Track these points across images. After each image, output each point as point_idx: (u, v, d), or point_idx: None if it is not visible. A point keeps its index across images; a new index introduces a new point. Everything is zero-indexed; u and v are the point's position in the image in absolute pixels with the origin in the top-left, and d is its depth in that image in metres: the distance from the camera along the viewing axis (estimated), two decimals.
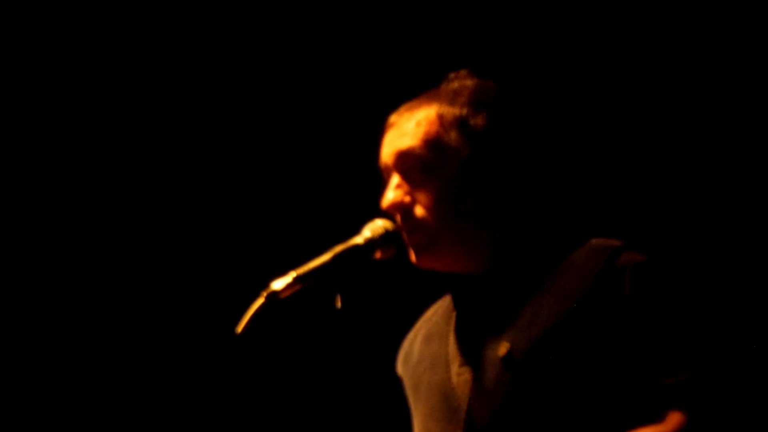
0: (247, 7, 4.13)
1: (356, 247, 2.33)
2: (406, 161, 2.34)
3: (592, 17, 3.72)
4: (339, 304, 2.31)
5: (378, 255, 2.36)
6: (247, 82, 4.19)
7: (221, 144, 4.23)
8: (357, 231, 2.37)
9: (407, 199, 2.34)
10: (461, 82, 2.40)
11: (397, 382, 2.56)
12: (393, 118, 2.40)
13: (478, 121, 2.34)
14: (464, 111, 2.34)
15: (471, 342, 2.35)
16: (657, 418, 2.19)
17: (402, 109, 2.40)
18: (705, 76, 3.61)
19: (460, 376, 2.33)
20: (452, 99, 2.36)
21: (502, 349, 2.27)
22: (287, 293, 2.27)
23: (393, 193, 2.35)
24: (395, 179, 2.36)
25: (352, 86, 4.06)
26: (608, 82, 3.71)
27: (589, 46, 3.74)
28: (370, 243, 2.34)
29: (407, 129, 2.35)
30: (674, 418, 2.19)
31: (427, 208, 2.33)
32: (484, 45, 3.78)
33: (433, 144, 2.33)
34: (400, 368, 2.55)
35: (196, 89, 4.21)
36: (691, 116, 3.62)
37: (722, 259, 3.53)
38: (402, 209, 2.34)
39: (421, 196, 2.33)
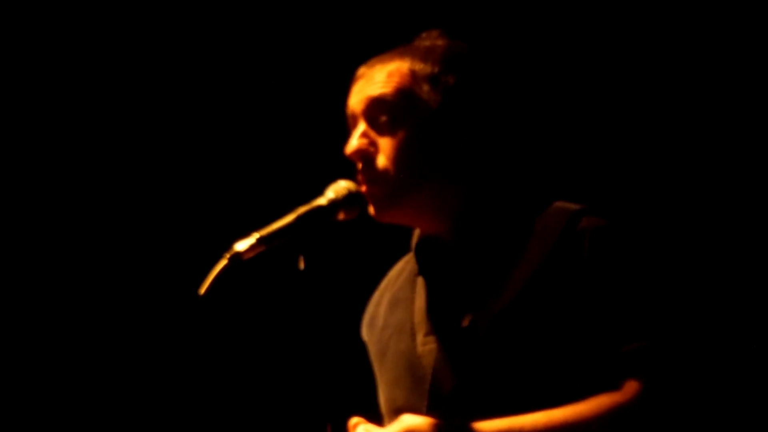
0: None
1: (319, 208, 2.32)
2: (374, 108, 2.34)
3: None
4: (302, 265, 2.30)
5: (341, 216, 2.35)
6: (208, 41, 4.17)
7: (180, 103, 4.21)
8: (320, 192, 2.36)
9: (371, 148, 2.34)
10: (433, 41, 2.40)
11: (362, 345, 2.56)
12: (363, 69, 2.39)
13: (449, 78, 2.34)
14: (436, 68, 2.34)
15: (436, 310, 2.36)
16: (614, 386, 2.21)
17: (373, 61, 2.40)
18: (666, 49, 3.62)
19: (425, 345, 2.34)
20: (425, 55, 2.36)
21: (466, 320, 2.28)
22: (250, 254, 2.26)
23: (357, 140, 2.35)
24: (361, 127, 2.36)
25: (319, 43, 4.04)
26: (574, 50, 3.71)
27: (560, 16, 3.74)
28: (333, 204, 2.33)
29: (378, 78, 2.35)
30: (631, 387, 2.21)
31: (390, 158, 2.32)
32: (457, 8, 3.77)
33: (403, 94, 2.33)
34: (365, 333, 2.56)
35: (158, 59, 4.20)
36: (655, 86, 3.63)
37: (679, 225, 3.55)
38: (365, 157, 2.33)
39: (386, 146, 2.33)
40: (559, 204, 2.35)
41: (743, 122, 3.53)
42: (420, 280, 2.42)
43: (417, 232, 2.44)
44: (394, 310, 2.46)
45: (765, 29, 3.48)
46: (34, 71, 4.18)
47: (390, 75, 2.35)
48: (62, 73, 4.19)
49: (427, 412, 2.26)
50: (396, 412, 2.31)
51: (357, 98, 2.37)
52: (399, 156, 2.32)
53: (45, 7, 4.13)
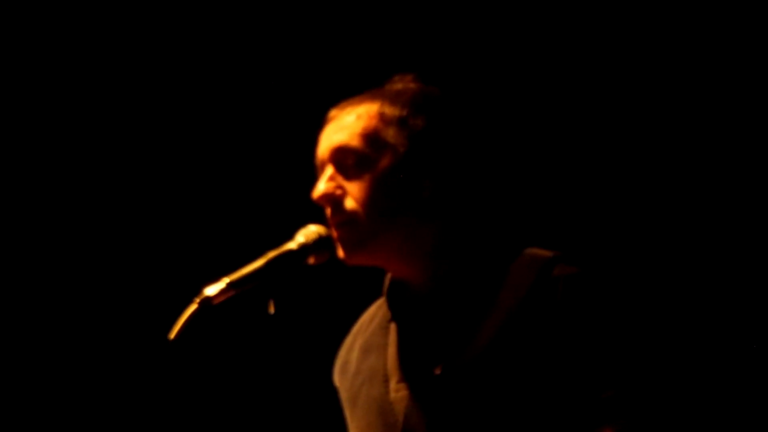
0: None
1: (289, 252, 2.32)
2: (342, 153, 2.34)
3: (529, 28, 3.75)
4: (273, 310, 2.30)
5: (311, 260, 2.35)
6: (180, 88, 4.18)
7: (154, 147, 4.20)
8: (290, 236, 2.36)
9: (339, 191, 2.33)
10: (405, 84, 2.41)
11: (333, 389, 2.55)
12: (333, 112, 2.40)
13: (418, 122, 2.34)
14: (405, 111, 2.34)
15: (409, 357, 2.35)
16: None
17: (343, 104, 2.40)
18: (630, 85, 3.64)
19: (397, 392, 2.33)
20: (394, 98, 2.36)
21: (438, 367, 2.27)
22: (220, 299, 2.26)
23: (325, 184, 2.34)
24: (329, 171, 2.35)
25: (292, 89, 4.06)
26: (539, 94, 3.73)
27: (525, 57, 3.76)
28: (304, 248, 2.33)
29: (347, 122, 2.35)
30: None
31: (358, 201, 2.31)
32: (430, 53, 3.79)
33: (370, 138, 2.33)
34: (336, 379, 2.54)
35: (130, 100, 4.20)
36: (619, 124, 3.65)
37: (651, 269, 3.56)
38: (333, 201, 2.33)
39: (354, 189, 2.32)
40: (531, 250, 2.35)
41: (709, 170, 3.55)
42: (392, 326, 2.41)
43: (388, 277, 2.43)
44: (366, 356, 2.45)
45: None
46: (27, 71, 4.18)
47: (358, 117, 2.34)
48: (49, 76, 4.19)
49: None
50: None
51: (325, 143, 2.37)
52: (367, 199, 2.31)
53: (44, 7, 4.14)
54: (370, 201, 2.31)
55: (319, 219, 2.37)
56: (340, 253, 2.34)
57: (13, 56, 4.16)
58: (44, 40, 4.16)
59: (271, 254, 2.31)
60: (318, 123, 2.42)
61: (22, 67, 4.17)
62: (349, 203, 2.32)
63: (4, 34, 4.15)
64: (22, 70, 4.17)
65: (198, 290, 2.26)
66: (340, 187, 2.33)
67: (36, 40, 4.16)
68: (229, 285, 2.26)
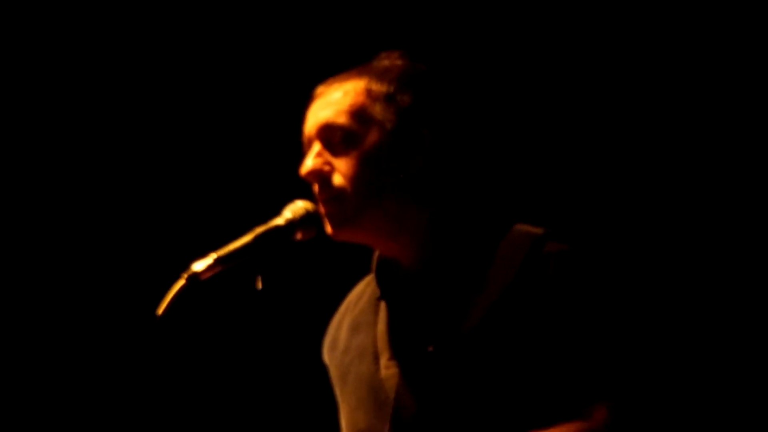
0: None
1: (277, 228, 2.32)
2: (329, 129, 2.34)
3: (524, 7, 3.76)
4: (260, 286, 2.30)
5: (299, 236, 2.35)
6: (169, 60, 4.17)
7: (142, 125, 4.20)
8: (278, 212, 2.36)
9: (326, 167, 2.33)
10: (392, 61, 2.40)
11: (322, 367, 2.56)
12: (320, 89, 2.40)
13: (405, 98, 2.34)
14: (392, 87, 2.34)
15: (399, 334, 2.35)
16: (581, 412, 2.21)
17: (330, 80, 2.40)
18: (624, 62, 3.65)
19: (388, 369, 2.34)
20: (381, 75, 2.36)
21: (430, 345, 2.28)
22: (208, 275, 2.26)
23: (312, 160, 2.34)
24: (316, 147, 2.35)
25: (280, 66, 4.05)
26: (530, 72, 3.73)
27: (517, 34, 3.76)
28: (291, 224, 2.33)
29: (333, 98, 2.35)
30: (599, 412, 2.20)
31: (346, 177, 2.31)
32: (416, 30, 3.79)
33: (357, 114, 2.33)
34: (326, 356, 2.55)
35: (118, 71, 4.19)
36: (614, 102, 3.66)
37: (639, 246, 3.58)
38: (320, 177, 2.33)
39: (341, 165, 2.32)
40: (520, 227, 2.35)
41: (704, 154, 3.56)
42: (382, 304, 2.41)
43: (377, 254, 2.43)
44: (355, 334, 2.45)
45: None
46: (20, 72, 4.18)
47: (345, 94, 2.35)
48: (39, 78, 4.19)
49: None
50: None
51: (312, 120, 2.37)
52: (354, 175, 2.31)
53: (43, 7, 4.14)
54: (357, 177, 2.31)
55: (306, 195, 2.38)
56: (328, 229, 2.34)
57: (10, 55, 4.16)
58: (36, 38, 4.16)
59: (259, 230, 2.31)
60: (305, 100, 2.41)
61: (16, 64, 4.17)
62: (337, 179, 2.32)
63: (4, 34, 4.15)
64: (16, 67, 4.17)
65: (186, 266, 2.26)
66: (327, 163, 2.33)
67: (30, 38, 4.16)
68: (217, 260, 2.26)
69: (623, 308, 2.27)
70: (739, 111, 3.53)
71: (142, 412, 4.19)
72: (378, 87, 2.34)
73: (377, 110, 2.33)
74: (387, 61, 2.40)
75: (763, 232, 3.49)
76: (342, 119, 2.33)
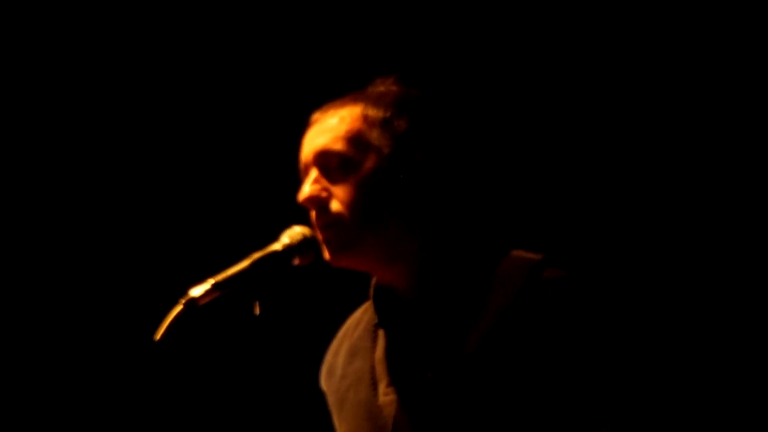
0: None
1: (274, 253, 2.33)
2: (325, 155, 2.34)
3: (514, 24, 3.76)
4: (258, 311, 2.30)
5: (297, 261, 2.35)
6: (166, 92, 4.18)
7: (140, 148, 4.21)
8: (276, 238, 2.37)
9: (324, 194, 2.33)
10: (387, 86, 2.41)
11: (320, 393, 2.56)
12: (316, 115, 2.40)
13: (401, 123, 2.35)
14: (388, 112, 2.35)
15: (397, 361, 2.35)
16: None
17: (326, 107, 2.40)
18: (615, 79, 3.66)
19: (386, 395, 2.34)
20: (377, 100, 2.37)
21: (427, 371, 2.28)
22: (205, 300, 2.26)
23: (309, 187, 2.34)
24: (313, 174, 2.35)
25: (277, 91, 4.06)
26: (523, 95, 3.74)
27: (508, 55, 3.77)
28: (288, 249, 2.34)
29: (330, 125, 2.36)
30: None
31: (343, 203, 2.32)
32: (412, 54, 3.80)
33: (354, 140, 2.33)
34: (323, 383, 2.55)
35: (109, 98, 4.20)
36: (603, 122, 3.67)
37: (634, 272, 3.58)
38: (318, 203, 2.33)
39: (339, 192, 2.33)
40: (518, 253, 2.35)
41: (693, 171, 3.57)
42: (380, 330, 2.41)
43: (374, 281, 2.43)
44: (353, 360, 2.45)
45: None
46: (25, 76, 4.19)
47: (341, 120, 2.35)
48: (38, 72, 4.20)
49: None
50: None
51: (308, 147, 2.37)
52: (352, 201, 2.32)
53: (41, 7, 4.15)
54: (354, 203, 2.31)
55: (304, 222, 2.38)
56: (326, 255, 2.34)
57: (11, 56, 4.18)
58: (33, 37, 4.18)
59: (256, 255, 2.32)
60: (301, 126, 2.42)
61: (18, 65, 4.18)
62: (335, 205, 2.32)
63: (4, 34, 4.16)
64: (19, 69, 4.18)
65: (183, 291, 2.27)
66: (324, 189, 2.34)
67: (32, 39, 4.17)
68: (215, 286, 2.27)
69: (621, 336, 2.27)
70: (736, 123, 3.54)
71: None
72: (374, 112, 2.35)
73: (374, 136, 2.34)
74: (382, 86, 2.41)
75: (760, 251, 3.49)
76: (338, 145, 2.33)
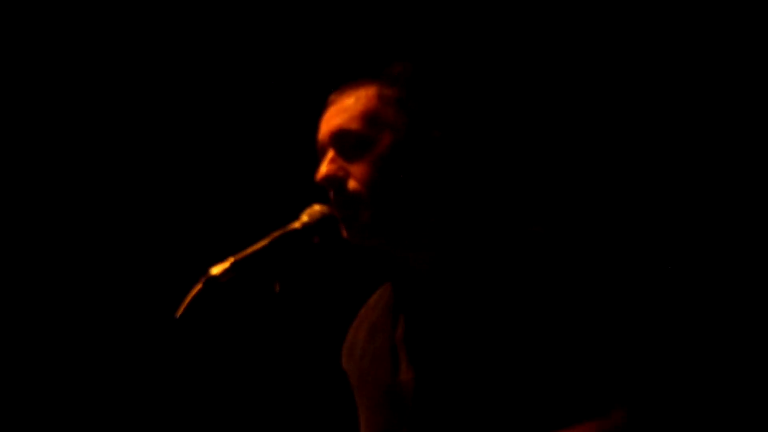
0: None
1: (293, 231, 2.35)
2: (342, 135, 2.36)
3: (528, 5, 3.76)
4: (278, 290, 2.32)
5: (316, 240, 2.37)
6: (185, 67, 4.19)
7: (162, 129, 4.22)
8: (296, 217, 2.38)
9: (341, 173, 2.35)
10: (403, 66, 2.42)
11: (342, 371, 2.57)
12: (333, 96, 2.42)
13: (417, 101, 2.36)
14: (404, 91, 2.37)
15: (417, 340, 2.36)
16: (601, 413, 2.21)
17: (343, 88, 2.42)
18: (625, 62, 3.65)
19: (405, 373, 2.35)
20: (393, 80, 2.38)
21: (446, 347, 2.29)
22: (226, 278, 2.28)
23: (327, 166, 2.36)
24: (330, 154, 2.37)
25: (297, 73, 4.07)
26: (538, 72, 3.74)
27: (523, 33, 3.77)
28: (307, 228, 2.35)
29: (346, 105, 2.37)
30: (617, 415, 2.20)
31: (360, 181, 2.33)
32: (428, 34, 3.80)
33: (370, 119, 2.35)
34: (344, 361, 2.57)
35: (127, 76, 4.22)
36: (620, 100, 3.66)
37: (644, 242, 3.58)
38: (335, 182, 2.34)
39: (356, 170, 2.34)
40: (530, 227, 2.36)
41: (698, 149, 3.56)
42: (399, 309, 2.42)
43: (393, 259, 2.44)
44: (373, 338, 2.47)
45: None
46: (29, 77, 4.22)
47: (357, 100, 2.37)
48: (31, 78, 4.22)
49: None
50: None
51: (325, 127, 2.39)
52: (369, 179, 2.33)
53: (44, 7, 4.17)
54: (372, 181, 2.33)
55: (324, 201, 2.40)
56: (344, 233, 2.36)
57: (12, 56, 4.20)
58: (40, 39, 4.20)
59: (276, 234, 2.34)
60: (320, 108, 2.44)
61: (20, 65, 4.20)
62: (352, 184, 2.34)
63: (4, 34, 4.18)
64: (21, 69, 4.21)
65: (204, 270, 2.29)
66: (342, 168, 2.35)
67: (33, 39, 4.19)
68: (234, 264, 2.29)
69: (637, 303, 2.28)
70: (737, 113, 3.53)
71: (159, 414, 4.21)
72: (390, 92, 2.36)
73: (389, 114, 2.35)
74: (398, 66, 2.42)
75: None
76: (355, 125, 2.35)
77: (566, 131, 3.68)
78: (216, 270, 2.28)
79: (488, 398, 2.25)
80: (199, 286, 2.27)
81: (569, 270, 2.27)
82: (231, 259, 2.30)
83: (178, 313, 2.25)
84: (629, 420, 2.20)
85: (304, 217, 2.37)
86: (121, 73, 4.20)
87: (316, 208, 2.38)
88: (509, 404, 2.24)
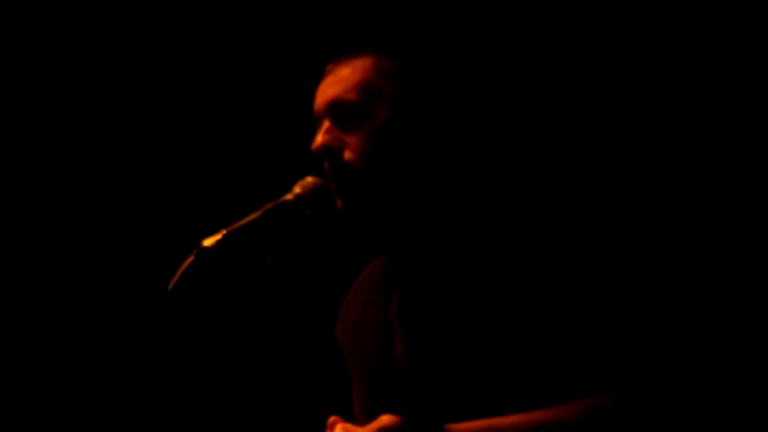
0: None
1: (286, 203, 2.35)
2: (338, 105, 2.36)
3: None
4: (270, 262, 2.32)
5: (308, 211, 2.37)
6: (177, 40, 4.18)
7: (152, 100, 4.21)
8: (289, 189, 2.38)
9: (336, 143, 2.35)
10: (400, 38, 2.43)
11: (335, 343, 2.58)
12: (329, 67, 2.42)
13: (412, 73, 2.36)
14: (400, 63, 2.37)
15: (410, 313, 2.37)
16: (596, 387, 2.21)
17: (339, 58, 2.42)
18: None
19: (399, 347, 2.36)
20: (389, 51, 2.38)
21: (440, 323, 2.29)
22: (218, 251, 2.28)
23: (322, 136, 2.36)
24: (326, 124, 2.37)
25: (292, 44, 4.06)
26: (532, 47, 3.73)
27: (519, 13, 3.76)
28: (300, 199, 2.35)
29: (342, 75, 2.37)
30: (613, 387, 2.20)
31: (356, 152, 2.33)
32: (424, 8, 3.79)
33: (366, 90, 2.35)
34: (338, 335, 2.57)
35: (121, 59, 4.21)
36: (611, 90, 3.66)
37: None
38: (331, 152, 2.34)
39: (352, 141, 2.34)
40: (528, 200, 2.36)
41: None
42: (392, 281, 2.42)
43: (385, 230, 2.43)
44: (366, 313, 2.47)
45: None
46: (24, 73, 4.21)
47: (354, 70, 2.37)
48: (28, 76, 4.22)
49: (401, 412, 2.25)
50: (369, 411, 2.34)
51: (321, 97, 2.39)
52: (364, 150, 2.33)
53: (43, 7, 4.16)
54: (367, 152, 2.33)
55: (318, 174, 2.39)
56: (339, 204, 2.36)
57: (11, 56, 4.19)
58: (38, 38, 4.19)
59: (268, 206, 2.34)
60: (316, 79, 2.43)
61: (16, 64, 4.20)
62: (347, 154, 2.34)
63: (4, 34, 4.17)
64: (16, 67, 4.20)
65: (197, 243, 2.29)
66: (337, 138, 2.35)
67: (31, 38, 4.18)
68: (227, 236, 2.28)
69: (632, 273, 2.28)
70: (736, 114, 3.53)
71: (149, 388, 4.22)
72: (386, 63, 2.36)
73: (385, 85, 2.35)
74: (395, 39, 2.42)
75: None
76: (351, 95, 2.34)
77: (561, 110, 3.68)
78: (208, 242, 2.28)
79: (482, 372, 2.25)
80: (191, 258, 2.26)
81: (564, 243, 2.27)
82: (223, 231, 2.29)
83: (171, 285, 2.25)
84: (624, 392, 2.20)
85: (297, 189, 2.37)
86: (99, 41, 4.19)
87: (309, 180, 2.38)
88: (503, 378, 2.24)
